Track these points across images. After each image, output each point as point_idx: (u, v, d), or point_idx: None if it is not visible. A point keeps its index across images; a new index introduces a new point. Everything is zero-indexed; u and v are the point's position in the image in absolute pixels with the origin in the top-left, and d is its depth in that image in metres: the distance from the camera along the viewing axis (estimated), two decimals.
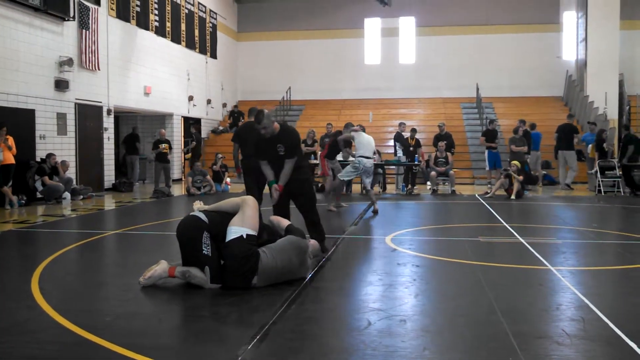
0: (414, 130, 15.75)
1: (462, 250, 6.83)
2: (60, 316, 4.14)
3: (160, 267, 5.08)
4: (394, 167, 16.23)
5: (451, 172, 15.01)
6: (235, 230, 4.92)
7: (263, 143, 6.33)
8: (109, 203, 13.04)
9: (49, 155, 12.91)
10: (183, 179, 19.29)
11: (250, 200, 5.09)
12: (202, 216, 5.01)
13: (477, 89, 22.27)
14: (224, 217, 5.02)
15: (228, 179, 16.23)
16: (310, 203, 6.45)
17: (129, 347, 3.49)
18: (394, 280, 5.38)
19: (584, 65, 20.53)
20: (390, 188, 16.02)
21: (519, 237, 7.72)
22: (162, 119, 19.05)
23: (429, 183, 15.76)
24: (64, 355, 3.45)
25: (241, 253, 4.84)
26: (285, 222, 5.57)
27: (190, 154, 19.23)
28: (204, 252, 4.90)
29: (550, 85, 23.19)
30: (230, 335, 3.84)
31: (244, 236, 4.89)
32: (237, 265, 4.84)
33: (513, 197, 13.36)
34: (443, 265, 6.13)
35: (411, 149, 15.41)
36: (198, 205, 5.20)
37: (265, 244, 5.12)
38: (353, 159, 11.18)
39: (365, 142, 10.73)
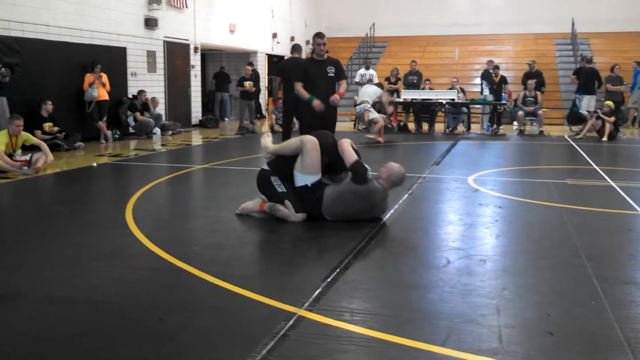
0: (497, 67, 15.17)
1: (548, 193, 6.65)
2: (153, 244, 4.39)
3: (253, 202, 5.42)
4: (479, 106, 15.79)
5: (540, 111, 14.43)
6: (299, 177, 5.12)
7: (313, 67, 7.05)
8: (196, 139, 13.46)
9: (140, 92, 13.39)
10: (267, 115, 19.58)
11: (309, 142, 5.11)
12: (266, 167, 5.36)
13: (573, 24, 21.02)
14: (288, 160, 5.21)
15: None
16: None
17: (216, 275, 3.67)
18: (475, 221, 5.33)
19: None
20: (475, 128, 15.65)
21: (609, 180, 7.42)
22: (246, 56, 19.23)
23: (515, 123, 15.26)
24: (156, 281, 3.68)
25: (308, 199, 5.08)
26: (351, 157, 5.10)
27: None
28: (278, 190, 5.19)
29: None
30: (311, 268, 3.96)
31: (309, 185, 5.09)
32: (308, 209, 5.11)
33: (605, 138, 12.75)
34: (527, 207, 6.01)
35: (494, 87, 14.91)
36: (265, 141, 5.43)
37: (335, 176, 5.29)
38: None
39: (362, 92, 12.70)
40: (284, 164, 5.24)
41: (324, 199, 5.04)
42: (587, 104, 14.50)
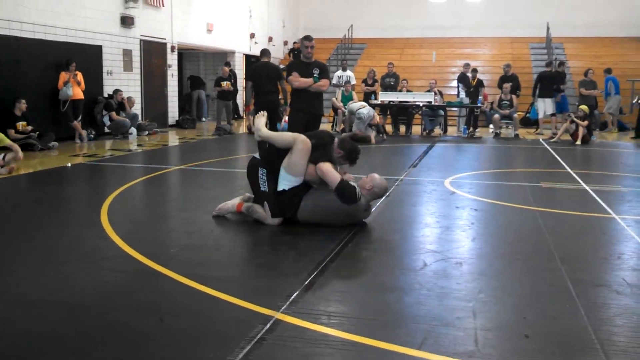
0: (475, 71, 15.33)
1: (523, 196, 6.73)
2: (128, 246, 4.35)
3: (230, 203, 5.39)
4: (456, 109, 15.91)
5: (515, 115, 14.61)
6: (282, 177, 5.05)
7: (300, 68, 7.40)
8: (173, 139, 13.37)
9: (116, 91, 13.25)
10: (244, 116, 19.51)
11: (301, 142, 5.03)
12: (257, 154, 5.31)
13: (548, 28, 21.31)
14: (280, 153, 5.13)
15: (286, 117, 16.27)
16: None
17: (192, 278, 3.65)
18: (451, 223, 5.38)
19: None
20: (452, 130, 15.78)
21: (582, 183, 7.53)
22: (224, 56, 19.14)
23: (491, 126, 15.42)
24: (133, 283, 3.64)
25: (286, 203, 5.04)
26: (334, 178, 4.93)
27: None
28: (261, 188, 5.14)
29: (630, 25, 21.86)
30: (288, 271, 3.95)
31: (286, 190, 5.02)
32: (286, 212, 5.08)
33: (578, 142, 12.94)
34: (502, 210, 6.07)
35: (471, 89, 15.06)
36: (259, 122, 5.35)
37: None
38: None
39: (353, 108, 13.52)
40: (275, 158, 5.14)
41: (301, 207, 5.00)
42: (543, 106, 14.78)
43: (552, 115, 14.69)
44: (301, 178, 5.05)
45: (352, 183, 5.01)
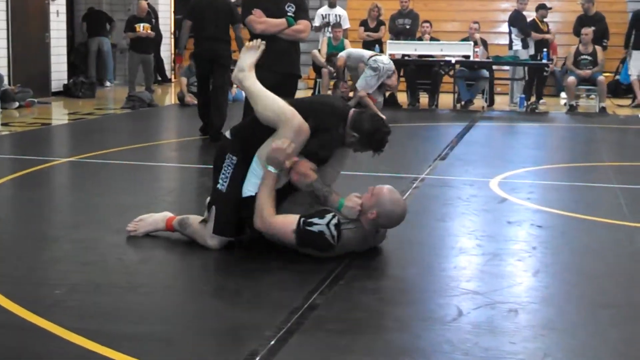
0: (544, 7, 15.38)
1: (613, 204, 6.78)
2: None
3: (157, 215, 5.37)
4: (507, 68, 15.97)
5: (601, 77, 14.68)
6: (253, 170, 4.99)
7: (265, 1, 7.50)
8: (59, 114, 13.32)
9: None
10: (174, 79, 19.43)
11: (296, 123, 4.87)
12: (228, 134, 5.25)
13: None
14: (258, 135, 5.03)
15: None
16: None
17: (88, 335, 3.59)
18: (501, 249, 5.37)
19: None
20: (502, 101, 15.83)
21: None
22: None
23: (563, 94, 15.51)
24: None
25: (246, 216, 5.00)
26: (285, 228, 4.87)
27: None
28: (218, 186, 5.09)
29: None
30: (245, 326, 3.90)
31: (253, 195, 4.95)
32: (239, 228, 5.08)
33: None
34: (580, 227, 6.09)
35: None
36: (247, 55, 5.26)
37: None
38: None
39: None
40: (251, 141, 5.06)
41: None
42: (638, 64, 14.96)
43: None
44: (282, 178, 4.98)
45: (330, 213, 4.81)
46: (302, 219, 4.76)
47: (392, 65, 13.05)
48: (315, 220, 4.77)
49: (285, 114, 4.90)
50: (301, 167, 4.87)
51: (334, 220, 4.75)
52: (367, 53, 13.21)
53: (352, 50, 13.79)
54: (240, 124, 5.36)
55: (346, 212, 4.79)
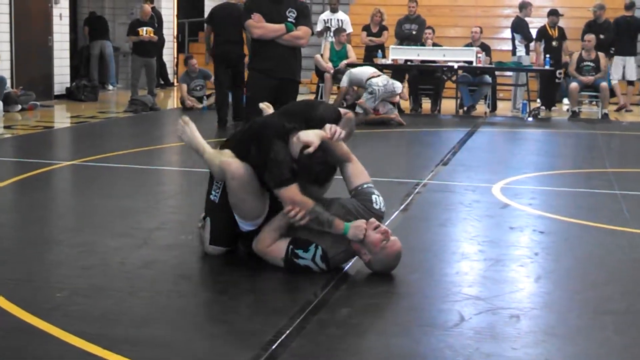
0: (554, 13, 15.34)
1: (615, 210, 6.76)
2: None
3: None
4: (510, 73, 15.95)
5: (603, 83, 14.66)
6: (239, 220, 4.92)
7: (268, 6, 7.63)
8: (62, 118, 13.32)
9: None
10: (176, 83, 19.44)
11: (229, 173, 4.73)
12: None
13: None
14: (237, 150, 4.95)
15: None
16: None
17: (88, 338, 3.59)
18: (503, 254, 5.38)
19: None
20: (504, 107, 15.82)
21: None
22: None
23: (566, 101, 15.49)
24: None
25: (244, 235, 4.97)
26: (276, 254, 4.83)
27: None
28: (210, 196, 5.03)
29: None
30: (243, 331, 3.91)
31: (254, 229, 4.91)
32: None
33: None
34: (582, 233, 6.09)
35: (554, 43, 15.12)
36: (188, 131, 5.26)
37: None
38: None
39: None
40: (240, 155, 4.90)
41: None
42: (619, 69, 14.94)
43: (630, 83, 14.80)
44: (262, 216, 4.86)
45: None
46: (291, 247, 4.69)
47: (391, 87, 12.89)
48: (300, 253, 4.68)
49: (218, 165, 4.82)
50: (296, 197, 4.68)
51: (319, 252, 4.66)
52: (366, 74, 13.12)
53: (352, 71, 13.60)
54: (232, 135, 5.29)
55: (352, 236, 4.71)
